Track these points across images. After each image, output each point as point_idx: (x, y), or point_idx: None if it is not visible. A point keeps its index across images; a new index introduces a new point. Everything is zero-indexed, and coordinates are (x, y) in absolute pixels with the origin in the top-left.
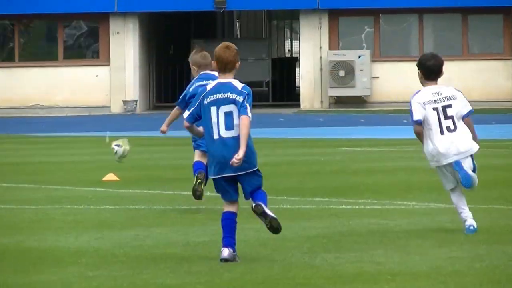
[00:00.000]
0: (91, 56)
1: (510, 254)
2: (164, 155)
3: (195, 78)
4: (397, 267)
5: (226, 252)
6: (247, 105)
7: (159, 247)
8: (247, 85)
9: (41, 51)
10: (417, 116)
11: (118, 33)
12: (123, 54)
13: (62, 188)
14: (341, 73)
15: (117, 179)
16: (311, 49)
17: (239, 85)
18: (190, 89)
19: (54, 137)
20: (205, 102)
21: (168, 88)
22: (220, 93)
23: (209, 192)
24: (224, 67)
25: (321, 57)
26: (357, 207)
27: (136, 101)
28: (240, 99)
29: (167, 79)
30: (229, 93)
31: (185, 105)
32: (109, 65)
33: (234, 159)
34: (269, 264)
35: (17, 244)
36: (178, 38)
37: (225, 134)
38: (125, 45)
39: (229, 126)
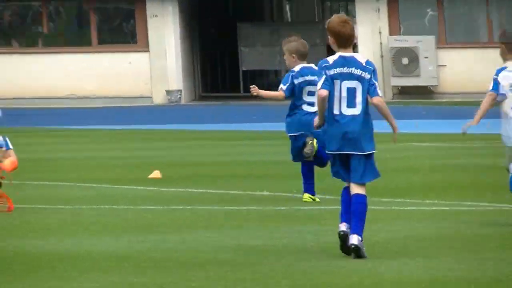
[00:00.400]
0: (127, 42)
1: None
2: (210, 151)
3: (297, 71)
4: (466, 274)
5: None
6: (376, 83)
7: (208, 251)
8: None
9: (71, 36)
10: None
11: (156, 16)
12: (163, 39)
13: (99, 187)
14: (404, 60)
15: (160, 177)
16: (370, 34)
17: (362, 59)
18: (296, 82)
19: (88, 130)
20: (329, 73)
21: (215, 76)
22: (344, 67)
23: (266, 191)
24: (345, 42)
25: (381, 43)
26: (423, 208)
27: (180, 91)
28: (367, 75)
29: (212, 67)
30: (353, 68)
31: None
32: (148, 51)
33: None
34: (330, 269)
35: (52, 247)
36: (222, 21)
37: (346, 111)
38: (165, 29)
39: (351, 103)
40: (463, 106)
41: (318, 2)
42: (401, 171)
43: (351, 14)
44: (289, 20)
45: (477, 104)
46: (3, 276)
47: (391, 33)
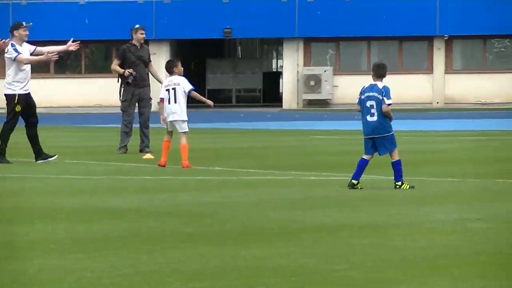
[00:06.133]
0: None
1: None
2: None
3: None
4: (346, 220)
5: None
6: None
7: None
8: (246, 91)
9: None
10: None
11: (155, 53)
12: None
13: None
14: (312, 83)
15: (153, 157)
16: (291, 66)
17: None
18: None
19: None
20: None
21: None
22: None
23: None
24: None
25: (298, 72)
26: (321, 178)
27: None
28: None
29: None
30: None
31: None
32: None
33: None
34: (263, 219)
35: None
36: (197, 57)
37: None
38: (160, 63)
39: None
40: (350, 113)
41: (259, 44)
42: (308, 154)
43: (280, 52)
44: (240, 56)
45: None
46: None
47: (305, 65)
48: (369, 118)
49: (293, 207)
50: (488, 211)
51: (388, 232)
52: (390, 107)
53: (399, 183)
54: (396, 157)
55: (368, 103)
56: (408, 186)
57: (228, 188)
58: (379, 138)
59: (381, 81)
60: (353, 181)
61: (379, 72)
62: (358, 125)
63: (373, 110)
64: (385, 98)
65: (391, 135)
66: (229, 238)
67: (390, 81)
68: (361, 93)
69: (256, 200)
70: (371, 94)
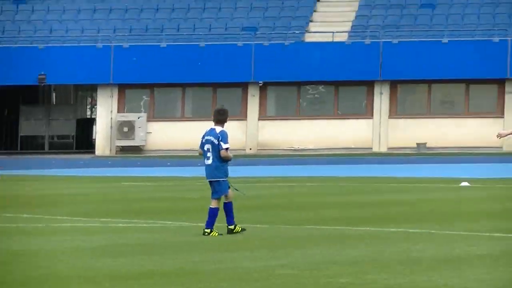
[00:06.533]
0: None
1: None
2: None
3: None
4: (152, 268)
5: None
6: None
7: None
8: (59, 137)
9: None
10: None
11: None
12: None
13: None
14: (125, 129)
15: None
16: (105, 112)
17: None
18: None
19: None
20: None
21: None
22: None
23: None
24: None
25: (111, 118)
26: (131, 225)
27: None
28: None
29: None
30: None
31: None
32: None
33: None
34: None
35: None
36: (11, 104)
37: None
38: None
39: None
40: (162, 159)
41: (74, 91)
42: (119, 200)
43: (94, 99)
44: (54, 103)
45: (171, 157)
46: None
47: (119, 111)
48: (206, 161)
49: (101, 254)
50: (295, 258)
51: (193, 278)
52: (228, 151)
53: (232, 226)
54: (220, 202)
55: (206, 147)
56: (240, 229)
57: (34, 236)
58: (213, 182)
59: (222, 126)
60: (205, 230)
61: (218, 117)
62: (170, 172)
63: (209, 154)
64: (221, 143)
65: (223, 181)
66: (32, 286)
67: (203, 127)
68: (202, 137)
69: (62, 247)
70: (208, 138)
